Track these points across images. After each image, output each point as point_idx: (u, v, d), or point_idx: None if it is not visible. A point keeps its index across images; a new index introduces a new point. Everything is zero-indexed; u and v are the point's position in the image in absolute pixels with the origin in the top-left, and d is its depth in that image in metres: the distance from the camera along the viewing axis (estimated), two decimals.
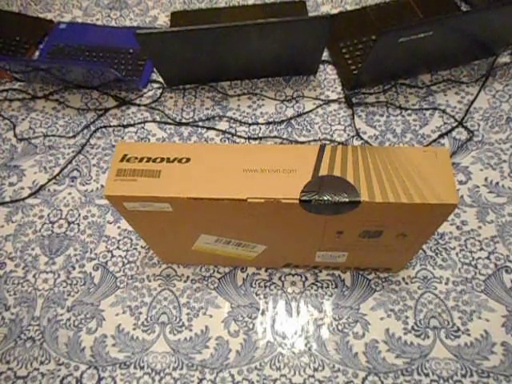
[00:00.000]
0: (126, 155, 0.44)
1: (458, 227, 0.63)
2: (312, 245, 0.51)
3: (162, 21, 0.91)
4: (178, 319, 0.59)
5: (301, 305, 0.59)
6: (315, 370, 0.55)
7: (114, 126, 0.77)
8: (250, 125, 0.76)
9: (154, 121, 0.77)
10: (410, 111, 0.75)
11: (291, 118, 0.76)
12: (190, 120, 0.77)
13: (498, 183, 0.66)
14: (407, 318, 0.57)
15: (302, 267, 0.61)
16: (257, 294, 0.60)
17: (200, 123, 0.76)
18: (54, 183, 0.71)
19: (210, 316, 0.59)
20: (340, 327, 0.57)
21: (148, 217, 0.46)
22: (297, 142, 0.73)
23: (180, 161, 0.43)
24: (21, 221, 0.68)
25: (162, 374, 0.55)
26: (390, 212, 0.41)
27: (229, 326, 0.58)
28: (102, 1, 0.96)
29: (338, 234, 0.48)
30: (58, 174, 0.71)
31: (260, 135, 0.75)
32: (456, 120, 0.73)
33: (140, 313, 0.59)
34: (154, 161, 0.43)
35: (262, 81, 0.81)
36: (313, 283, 0.60)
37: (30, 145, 0.76)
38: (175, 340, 0.57)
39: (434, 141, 0.71)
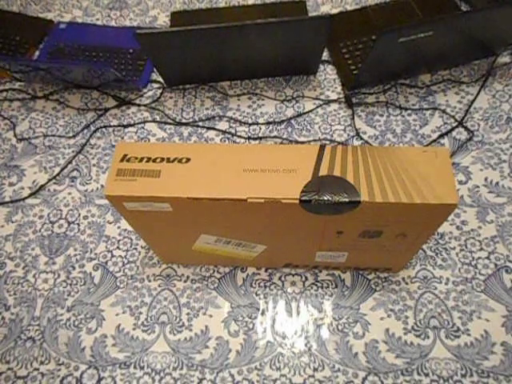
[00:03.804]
0: (125, 155, 0.44)
1: (458, 227, 0.63)
2: (312, 245, 0.51)
3: (162, 21, 0.91)
4: (178, 319, 0.59)
5: (301, 305, 0.59)
6: (315, 369, 0.55)
7: (114, 126, 0.77)
8: (250, 125, 0.76)
9: (154, 121, 0.77)
10: (410, 111, 0.75)
11: (291, 118, 0.76)
12: (190, 120, 0.77)
13: (498, 183, 0.66)
14: (407, 317, 0.57)
15: (302, 267, 0.61)
16: (257, 294, 0.60)
17: (200, 123, 0.76)
18: (54, 183, 0.71)
19: (210, 316, 0.59)
20: (340, 327, 0.57)
21: (148, 217, 0.46)
22: (297, 141, 0.73)
23: (180, 161, 0.43)
24: (21, 221, 0.68)
25: (161, 374, 0.55)
26: (390, 212, 0.41)
27: (229, 326, 0.58)
28: (102, 1, 0.96)
29: (337, 234, 0.48)
30: (58, 174, 0.71)
31: (260, 135, 0.75)
32: (456, 120, 0.73)
33: (140, 313, 0.59)
34: (154, 161, 0.43)
35: (262, 81, 0.81)
36: (313, 283, 0.60)
37: (30, 145, 0.76)
38: (175, 340, 0.57)
39: (434, 141, 0.71)
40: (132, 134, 0.76)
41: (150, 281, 0.62)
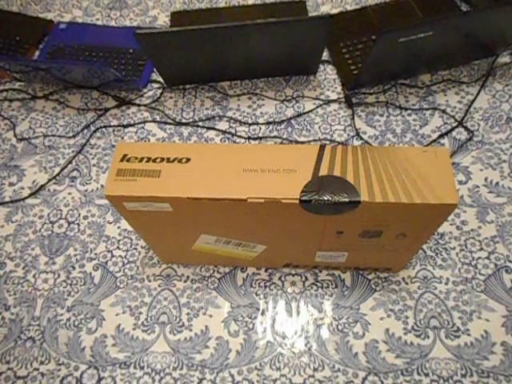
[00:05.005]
0: (125, 155, 0.44)
1: (458, 227, 0.63)
2: (312, 245, 0.51)
3: (162, 21, 0.91)
4: (178, 319, 0.59)
5: (301, 305, 0.59)
6: (315, 369, 0.55)
7: (114, 126, 0.77)
8: (250, 125, 0.76)
9: (154, 121, 0.77)
10: (410, 111, 0.75)
11: (291, 118, 0.76)
12: (190, 120, 0.77)
13: (498, 183, 0.66)
14: (407, 317, 0.57)
15: (302, 267, 0.61)
16: (257, 294, 0.60)
17: (200, 123, 0.76)
18: (54, 183, 0.71)
19: (210, 316, 0.59)
20: (340, 327, 0.57)
21: (148, 217, 0.46)
22: (297, 141, 0.73)
23: (180, 161, 0.43)
24: (21, 221, 0.68)
25: (161, 374, 0.55)
26: (390, 212, 0.41)
27: (229, 326, 0.58)
28: (102, 1, 0.96)
29: (337, 234, 0.48)
30: (58, 174, 0.71)
31: (260, 135, 0.75)
32: (456, 120, 0.73)
33: (140, 313, 0.59)
34: (154, 161, 0.43)
35: (261, 81, 0.81)
36: (313, 283, 0.60)
37: (30, 145, 0.76)
38: (175, 340, 0.57)
39: (434, 141, 0.71)
40: (132, 133, 0.76)
41: (150, 281, 0.62)
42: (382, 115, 0.75)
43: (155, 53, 0.69)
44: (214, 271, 0.62)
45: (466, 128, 0.72)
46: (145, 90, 0.81)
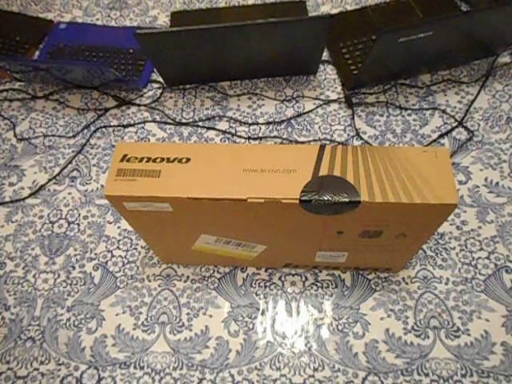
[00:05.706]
0: (126, 155, 0.44)
1: (458, 227, 0.63)
2: (312, 245, 0.51)
3: (162, 21, 0.91)
4: (178, 319, 0.59)
5: (301, 305, 0.59)
6: (315, 369, 0.55)
7: (114, 126, 0.77)
8: (250, 125, 0.76)
9: (154, 121, 0.77)
10: (410, 111, 0.75)
11: (291, 118, 0.76)
12: (190, 120, 0.77)
13: (498, 183, 0.66)
14: (407, 318, 0.57)
15: (302, 267, 0.61)
16: (257, 294, 0.60)
17: (200, 123, 0.76)
18: (54, 183, 0.71)
19: (210, 316, 0.59)
20: (340, 327, 0.57)
21: (148, 217, 0.46)
22: (297, 141, 0.73)
23: (180, 161, 0.43)
24: (21, 221, 0.68)
25: (162, 374, 0.55)
26: (390, 212, 0.41)
27: (229, 326, 0.58)
28: (102, 1, 0.96)
29: (338, 234, 0.48)
30: (58, 174, 0.71)
31: (260, 135, 0.75)
32: (456, 120, 0.73)
33: (140, 313, 0.59)
34: (154, 161, 0.43)
35: (261, 81, 0.81)
36: (313, 283, 0.60)
37: (30, 145, 0.76)
38: (175, 340, 0.57)
39: (434, 141, 0.71)
40: (132, 133, 0.76)
41: (150, 281, 0.62)
42: (382, 115, 0.75)
43: (155, 53, 0.69)
44: (214, 271, 0.62)
45: (466, 128, 0.72)
46: (145, 90, 0.81)
